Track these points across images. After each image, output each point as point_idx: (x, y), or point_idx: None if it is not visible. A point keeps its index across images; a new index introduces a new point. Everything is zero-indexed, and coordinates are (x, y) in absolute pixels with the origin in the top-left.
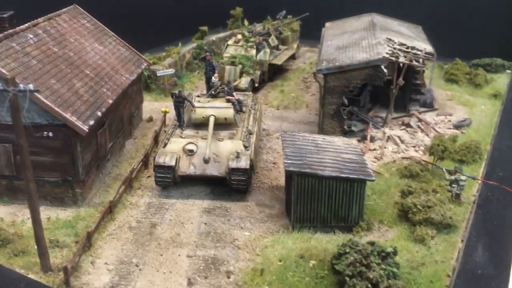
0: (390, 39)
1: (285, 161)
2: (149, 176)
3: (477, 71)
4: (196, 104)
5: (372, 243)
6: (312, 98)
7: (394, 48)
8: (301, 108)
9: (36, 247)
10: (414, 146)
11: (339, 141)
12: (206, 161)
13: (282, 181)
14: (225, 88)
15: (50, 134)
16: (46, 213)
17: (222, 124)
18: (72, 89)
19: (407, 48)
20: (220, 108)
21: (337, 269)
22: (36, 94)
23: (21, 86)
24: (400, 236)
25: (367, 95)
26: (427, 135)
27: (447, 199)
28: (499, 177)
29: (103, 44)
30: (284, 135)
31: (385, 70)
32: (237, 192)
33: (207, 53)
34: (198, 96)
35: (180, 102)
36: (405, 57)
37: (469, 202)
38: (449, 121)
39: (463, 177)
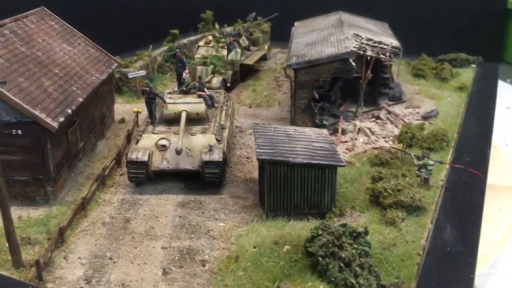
0: (357, 35)
1: (257, 150)
2: (122, 174)
3: (443, 65)
4: (167, 100)
5: (344, 225)
6: (284, 96)
7: (362, 43)
8: (274, 106)
9: (7, 244)
10: (384, 137)
11: (310, 131)
12: (178, 152)
13: (255, 174)
14: (196, 84)
15: (19, 132)
16: (17, 212)
17: (194, 119)
18: (41, 87)
19: (374, 42)
20: (192, 104)
21: (310, 251)
22: (3, 91)
23: None
24: (372, 220)
25: (338, 90)
26: (396, 126)
27: (415, 183)
28: (466, 162)
29: (72, 45)
30: (256, 126)
31: (353, 64)
32: (210, 186)
33: (177, 50)
34: (169, 93)
35: (151, 99)
36: (372, 51)
37: (437, 186)
38: (417, 113)
39: (430, 162)
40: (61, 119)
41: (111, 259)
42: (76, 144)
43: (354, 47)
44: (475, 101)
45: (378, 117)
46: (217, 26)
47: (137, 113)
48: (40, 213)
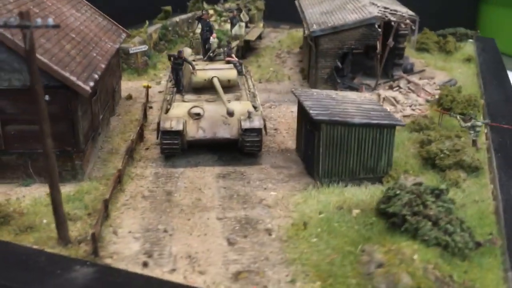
0: (373, 3)
1: (311, 111)
2: (147, 148)
3: (446, 39)
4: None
5: (419, 184)
6: (291, 72)
7: (380, 10)
8: (284, 81)
9: (45, 220)
10: (410, 106)
11: (352, 95)
12: (231, 113)
13: (289, 144)
14: (225, 49)
15: (47, 97)
16: (42, 190)
17: (225, 87)
18: (64, 50)
19: (391, 10)
20: (223, 70)
21: (391, 212)
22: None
23: (39, 20)
24: (431, 182)
25: (349, 64)
26: (418, 95)
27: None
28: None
29: (80, 12)
30: (296, 91)
31: (379, 29)
32: (247, 156)
33: (204, 12)
34: (193, 60)
35: (179, 65)
36: (394, 17)
37: (483, 148)
38: (434, 83)
39: (478, 123)
40: (91, 84)
41: (166, 231)
42: (98, 116)
43: (378, 12)
44: (487, 72)
45: (397, 87)
46: (205, 5)
47: (147, 87)
48: (69, 189)
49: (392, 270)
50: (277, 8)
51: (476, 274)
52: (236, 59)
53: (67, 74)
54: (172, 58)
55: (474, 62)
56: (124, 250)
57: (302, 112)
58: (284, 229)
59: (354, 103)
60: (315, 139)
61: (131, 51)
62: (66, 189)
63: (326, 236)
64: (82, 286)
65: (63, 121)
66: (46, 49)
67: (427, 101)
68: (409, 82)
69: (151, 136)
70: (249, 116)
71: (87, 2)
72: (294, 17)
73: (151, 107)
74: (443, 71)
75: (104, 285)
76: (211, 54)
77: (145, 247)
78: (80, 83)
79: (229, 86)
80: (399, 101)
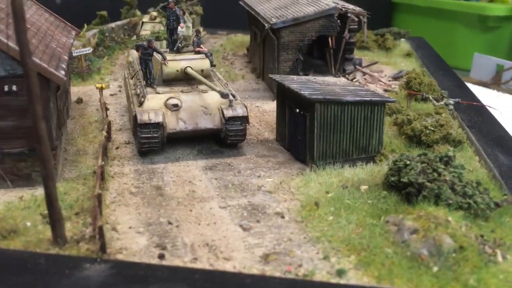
0: None
1: (303, 92)
2: (117, 148)
3: (384, 37)
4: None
5: (424, 154)
6: (242, 72)
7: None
8: (238, 80)
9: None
10: None
11: (330, 79)
12: (225, 95)
13: (266, 135)
14: (194, 39)
15: (14, 88)
16: (10, 195)
17: None
18: None
19: (342, 5)
20: (195, 60)
21: (406, 182)
22: None
23: None
24: None
25: (300, 61)
26: (376, 86)
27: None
28: (463, 104)
29: (26, 5)
30: (276, 76)
31: (338, 21)
32: (228, 148)
33: (170, 1)
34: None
35: (149, 55)
36: (348, 11)
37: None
38: (385, 75)
39: (451, 101)
40: (63, 72)
41: (170, 223)
42: (63, 113)
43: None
44: (430, 64)
45: (354, 79)
46: (138, 12)
47: (101, 88)
48: (43, 192)
49: (430, 234)
50: (213, 14)
51: (502, 233)
52: (206, 49)
53: (37, 60)
54: (140, 49)
55: (414, 57)
56: (131, 245)
57: (286, 98)
58: (295, 212)
59: (337, 85)
60: (306, 121)
61: (74, 54)
62: (40, 192)
63: (342, 213)
64: (100, 284)
65: (42, 110)
66: (9, 35)
67: (385, 90)
68: (364, 74)
69: (117, 136)
70: (231, 104)
71: None
72: (231, 23)
73: (107, 109)
74: (388, 65)
75: (126, 279)
76: (180, 45)
77: (154, 240)
78: (52, 70)
79: (202, 77)
80: None
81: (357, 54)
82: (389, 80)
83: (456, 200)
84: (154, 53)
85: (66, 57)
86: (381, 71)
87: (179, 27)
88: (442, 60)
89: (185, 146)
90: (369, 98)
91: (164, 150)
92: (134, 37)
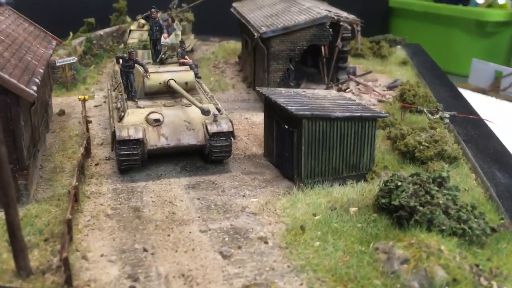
0: (317, 6)
1: (290, 108)
2: (96, 164)
3: (380, 44)
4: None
5: (417, 174)
6: (233, 81)
7: (326, 11)
8: (228, 90)
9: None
10: None
11: (320, 92)
12: (207, 112)
13: (254, 150)
14: (179, 50)
15: None
16: None
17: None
18: None
19: (335, 13)
20: (179, 72)
21: (397, 204)
22: None
23: None
24: None
25: (292, 70)
26: (370, 96)
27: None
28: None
29: (2, 15)
30: (263, 89)
31: (330, 29)
32: (213, 164)
33: (152, 10)
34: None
35: (130, 67)
36: (340, 19)
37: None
38: (380, 84)
39: (446, 114)
40: (34, 88)
41: (146, 250)
42: (37, 129)
43: (327, 14)
44: (425, 72)
45: (348, 89)
46: (128, 18)
47: (84, 100)
48: None
49: (421, 265)
50: (205, 21)
51: (498, 261)
52: (191, 61)
53: (6, 76)
54: (121, 61)
55: (410, 65)
56: (101, 276)
57: (273, 112)
58: (279, 236)
59: (326, 98)
60: (294, 138)
61: (58, 64)
62: None
63: (329, 238)
64: None
65: (2, 133)
66: None
67: (380, 101)
68: (358, 84)
69: (97, 151)
70: (215, 119)
71: (8, 6)
72: (223, 30)
73: (90, 122)
74: (383, 74)
75: None
76: (163, 56)
77: (126, 271)
78: (23, 86)
79: (186, 90)
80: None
81: (351, 62)
82: (384, 90)
83: (450, 225)
84: (136, 65)
85: (41, 70)
86: (375, 80)
87: (162, 38)
88: (438, 68)
89: (168, 162)
90: (359, 114)
91: (146, 166)
92: (122, 45)
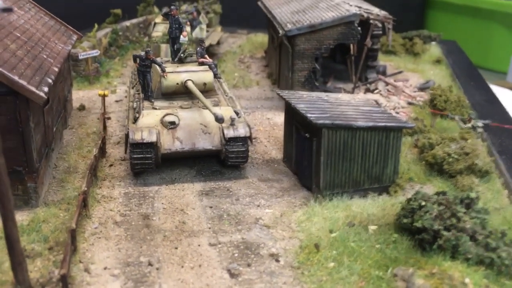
0: (346, 2)
1: (310, 115)
2: (111, 165)
3: (413, 41)
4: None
5: (443, 193)
6: (257, 77)
7: (356, 8)
8: (252, 86)
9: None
10: (393, 109)
11: (344, 96)
12: (220, 119)
13: (273, 154)
14: (198, 49)
15: None
16: None
17: (201, 91)
18: (9, 50)
19: (366, 10)
20: (197, 72)
21: (419, 227)
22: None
23: None
24: (441, 189)
25: (320, 68)
26: (399, 98)
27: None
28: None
29: (22, 9)
30: (283, 93)
31: (359, 28)
32: (230, 169)
33: (172, 7)
34: (162, 63)
35: (147, 67)
36: (371, 16)
37: (484, 151)
38: (411, 85)
39: (479, 123)
40: (45, 89)
41: (151, 264)
42: (51, 129)
43: (355, 10)
44: (460, 73)
45: (376, 89)
46: (156, 9)
47: (104, 96)
48: (22, 218)
49: None
50: (232, 12)
51: None
52: (210, 60)
53: (15, 78)
54: (138, 60)
55: (444, 64)
56: None
57: (293, 117)
58: (292, 253)
59: (350, 105)
60: (313, 147)
61: (80, 57)
62: (18, 218)
63: (345, 260)
64: None
65: (11, 135)
66: None
67: (409, 103)
68: (387, 84)
69: (113, 151)
70: (232, 123)
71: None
72: (251, 22)
73: (109, 118)
74: (415, 73)
75: None
76: (182, 55)
77: (128, 286)
78: (32, 88)
79: (205, 91)
80: (381, 104)
81: (382, 59)
82: (415, 91)
83: (477, 253)
84: (154, 64)
85: (56, 69)
86: (406, 80)
87: (181, 36)
88: (474, 69)
89: (183, 165)
90: (383, 124)
91: (160, 169)
92: (146, 38)
